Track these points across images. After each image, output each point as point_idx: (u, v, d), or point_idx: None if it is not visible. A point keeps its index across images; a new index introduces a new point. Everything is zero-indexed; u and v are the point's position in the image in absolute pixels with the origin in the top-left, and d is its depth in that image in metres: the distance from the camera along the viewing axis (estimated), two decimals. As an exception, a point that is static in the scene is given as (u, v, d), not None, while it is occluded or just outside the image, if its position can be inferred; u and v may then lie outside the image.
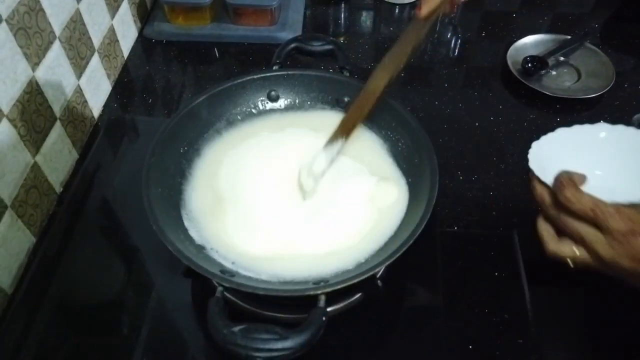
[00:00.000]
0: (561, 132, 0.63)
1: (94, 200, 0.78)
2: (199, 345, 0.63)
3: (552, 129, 0.86)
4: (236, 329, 0.45)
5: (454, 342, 0.62)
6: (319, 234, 0.61)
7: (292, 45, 0.74)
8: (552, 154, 0.61)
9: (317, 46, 0.74)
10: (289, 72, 0.72)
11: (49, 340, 0.63)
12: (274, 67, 0.73)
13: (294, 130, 0.71)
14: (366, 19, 1.12)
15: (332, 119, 0.68)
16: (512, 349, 0.62)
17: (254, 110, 0.74)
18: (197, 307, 0.66)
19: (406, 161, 0.67)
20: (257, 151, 0.69)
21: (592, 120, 0.87)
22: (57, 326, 0.65)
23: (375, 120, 0.70)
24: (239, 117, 0.73)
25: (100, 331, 0.65)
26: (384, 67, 0.64)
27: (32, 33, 0.70)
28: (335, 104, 0.73)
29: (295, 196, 0.64)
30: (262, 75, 0.71)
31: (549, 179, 0.58)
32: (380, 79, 0.64)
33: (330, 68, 0.91)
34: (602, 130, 0.62)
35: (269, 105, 0.74)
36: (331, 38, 0.76)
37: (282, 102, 0.74)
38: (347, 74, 0.72)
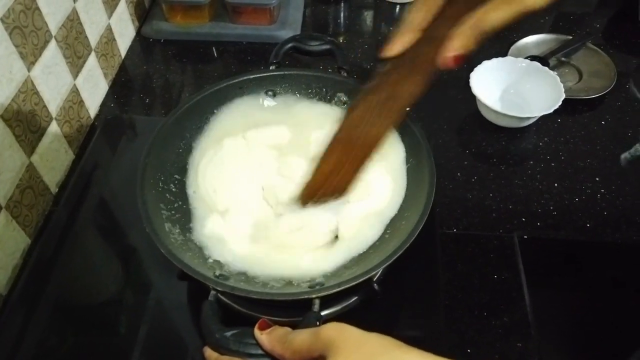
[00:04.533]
0: (494, 61, 0.88)
1: (91, 200, 0.77)
2: (197, 345, 0.62)
3: (553, 129, 0.86)
4: (229, 333, 0.44)
5: (453, 346, 0.61)
6: (314, 233, 0.60)
7: (290, 45, 0.73)
8: (489, 79, 0.87)
9: (315, 46, 0.74)
10: (286, 72, 0.72)
11: (45, 341, 0.63)
12: (271, 67, 0.72)
13: (287, 129, 0.71)
14: (366, 18, 1.11)
15: (330, 115, 0.67)
16: (512, 353, 0.61)
17: (251, 110, 0.73)
18: (193, 308, 0.65)
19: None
20: (248, 151, 0.68)
21: (594, 121, 0.87)
22: (53, 327, 0.64)
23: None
24: (236, 118, 0.72)
25: (97, 332, 0.65)
26: (376, 110, 0.52)
27: (27, 32, 0.69)
28: (333, 103, 0.73)
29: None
30: (259, 75, 0.70)
31: (490, 100, 0.83)
32: (380, 126, 0.53)
33: (330, 68, 0.90)
34: (522, 62, 0.89)
35: (267, 104, 0.73)
36: (329, 37, 0.75)
37: (279, 102, 0.73)
38: (345, 74, 0.72)
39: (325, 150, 0.56)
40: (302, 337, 0.40)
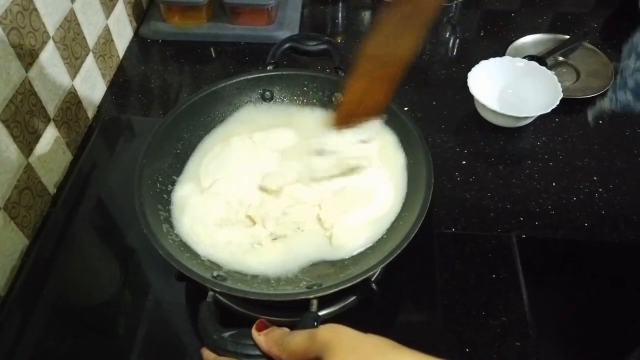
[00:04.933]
0: (492, 61, 0.89)
1: (89, 201, 0.77)
2: (195, 346, 0.62)
3: (551, 129, 0.86)
4: (226, 334, 0.44)
5: (451, 346, 0.61)
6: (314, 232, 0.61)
7: (287, 45, 0.73)
8: (486, 79, 0.87)
9: (312, 46, 0.74)
10: (283, 72, 0.72)
11: (43, 343, 0.63)
12: (269, 67, 0.72)
13: (285, 132, 0.71)
14: (364, 18, 1.12)
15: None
16: (510, 352, 0.61)
17: (249, 111, 0.73)
18: (191, 309, 0.65)
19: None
20: (244, 152, 0.68)
21: (592, 121, 0.87)
22: (51, 329, 0.64)
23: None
24: (233, 118, 0.72)
25: (95, 333, 0.65)
26: (399, 27, 0.52)
27: (25, 33, 0.69)
28: (330, 103, 0.73)
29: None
30: (256, 75, 0.70)
31: (488, 100, 0.84)
32: (405, 41, 0.53)
33: (327, 68, 0.90)
34: (520, 62, 0.90)
35: (264, 105, 0.73)
36: (326, 37, 0.75)
37: (276, 102, 0.73)
38: (342, 74, 0.72)
39: (356, 71, 0.56)
40: (299, 339, 0.41)
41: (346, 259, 0.58)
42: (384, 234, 0.60)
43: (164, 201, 0.62)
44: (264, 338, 0.43)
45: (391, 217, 0.61)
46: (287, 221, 0.61)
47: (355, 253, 0.58)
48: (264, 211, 0.61)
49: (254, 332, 0.44)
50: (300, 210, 0.62)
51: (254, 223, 0.61)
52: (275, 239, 0.60)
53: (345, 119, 0.60)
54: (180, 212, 0.62)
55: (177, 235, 0.59)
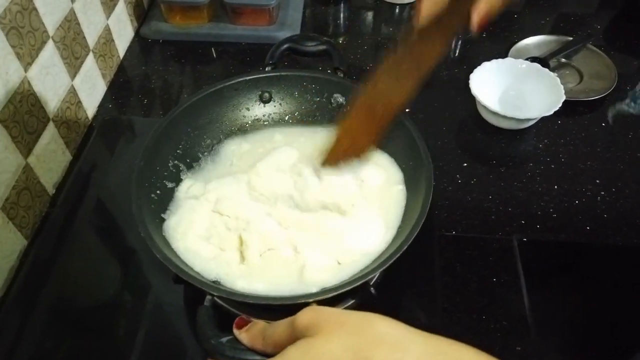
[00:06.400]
0: (494, 62, 0.88)
1: (89, 201, 0.77)
2: (195, 349, 0.62)
3: (553, 131, 0.86)
4: (224, 339, 0.44)
5: (451, 350, 0.61)
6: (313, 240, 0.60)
7: (286, 46, 0.73)
8: (488, 81, 0.87)
9: (311, 46, 0.73)
10: (282, 73, 0.71)
11: (42, 344, 0.62)
12: (267, 68, 0.72)
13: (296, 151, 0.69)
14: (366, 19, 1.11)
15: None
16: (511, 356, 0.61)
17: (246, 113, 0.73)
18: (190, 312, 0.65)
19: (401, 164, 0.66)
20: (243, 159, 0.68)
21: (595, 123, 0.87)
22: (49, 330, 0.64)
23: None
24: (230, 119, 0.72)
25: (94, 335, 0.65)
26: (397, 77, 0.55)
27: (24, 32, 0.69)
28: (329, 104, 0.72)
29: (284, 205, 0.63)
30: (254, 76, 0.70)
31: (490, 102, 0.83)
32: (399, 91, 0.55)
33: (329, 68, 0.90)
34: (522, 64, 0.89)
35: (262, 107, 0.73)
36: (325, 38, 0.75)
37: (275, 104, 0.73)
38: (342, 75, 0.71)
39: (349, 115, 0.59)
40: (280, 329, 0.40)
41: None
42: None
43: (162, 203, 0.62)
44: (245, 335, 0.43)
45: (376, 253, 0.58)
46: (267, 249, 0.60)
47: (325, 288, 0.55)
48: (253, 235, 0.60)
49: (235, 330, 0.43)
50: (279, 236, 0.60)
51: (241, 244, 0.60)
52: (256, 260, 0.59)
53: (335, 160, 0.61)
54: (174, 214, 0.62)
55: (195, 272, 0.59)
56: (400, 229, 0.59)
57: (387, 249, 0.57)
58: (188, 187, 0.65)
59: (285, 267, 0.58)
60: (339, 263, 0.58)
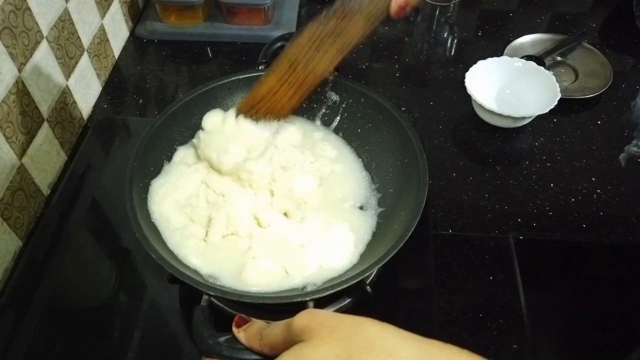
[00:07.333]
0: (490, 61, 0.88)
1: (83, 202, 0.76)
2: (191, 349, 0.62)
3: (549, 129, 0.86)
4: (221, 339, 0.44)
5: (448, 348, 0.61)
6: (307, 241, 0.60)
7: (279, 44, 0.72)
8: (484, 79, 0.87)
9: (304, 45, 0.73)
10: None
11: (36, 345, 0.62)
12: (260, 67, 0.71)
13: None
14: (361, 18, 1.11)
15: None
16: (507, 355, 0.61)
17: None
18: (185, 312, 0.64)
19: (395, 161, 0.66)
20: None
21: (590, 121, 0.87)
22: (44, 331, 0.63)
23: (361, 119, 0.69)
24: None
25: (89, 336, 0.64)
26: (320, 42, 0.59)
27: (18, 32, 0.69)
28: (323, 102, 0.72)
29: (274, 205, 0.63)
30: (247, 75, 0.70)
31: (485, 100, 0.83)
32: (321, 60, 0.60)
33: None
34: (518, 62, 0.88)
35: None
36: None
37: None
38: (335, 73, 0.71)
39: (269, 70, 0.63)
40: (276, 331, 0.40)
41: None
42: (380, 231, 0.59)
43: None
44: (243, 334, 0.43)
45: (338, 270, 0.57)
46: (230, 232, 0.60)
47: (321, 286, 0.55)
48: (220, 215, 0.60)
49: (233, 328, 0.43)
50: (244, 224, 0.60)
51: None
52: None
53: (249, 109, 0.64)
54: (162, 177, 0.63)
55: (161, 239, 0.59)
56: (394, 225, 0.58)
57: (382, 247, 0.57)
58: (183, 155, 0.66)
59: (235, 257, 0.58)
60: (286, 272, 0.57)
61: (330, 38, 0.59)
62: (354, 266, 0.57)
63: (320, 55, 0.60)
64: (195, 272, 0.56)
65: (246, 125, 0.64)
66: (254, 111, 0.64)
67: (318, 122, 0.72)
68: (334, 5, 0.58)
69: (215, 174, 0.63)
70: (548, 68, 0.90)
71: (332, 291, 0.50)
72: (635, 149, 0.81)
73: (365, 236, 0.60)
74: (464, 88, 0.84)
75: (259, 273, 0.56)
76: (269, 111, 0.64)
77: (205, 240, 0.59)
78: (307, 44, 0.60)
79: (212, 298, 0.51)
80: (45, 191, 0.77)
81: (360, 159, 0.69)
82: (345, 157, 0.69)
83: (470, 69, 0.86)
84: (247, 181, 0.62)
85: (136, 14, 1.06)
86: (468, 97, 0.84)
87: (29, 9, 0.71)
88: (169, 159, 0.66)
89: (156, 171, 0.64)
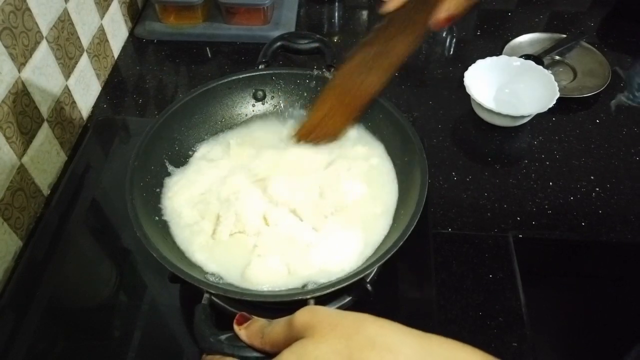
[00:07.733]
0: (488, 60, 0.88)
1: (83, 202, 0.76)
2: (192, 349, 0.62)
3: (547, 128, 0.86)
4: (223, 337, 0.44)
5: (447, 346, 0.61)
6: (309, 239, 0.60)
7: (278, 44, 0.73)
8: (483, 78, 0.87)
9: (304, 44, 0.73)
10: (274, 71, 0.71)
11: (36, 345, 0.62)
12: (260, 67, 0.72)
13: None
14: (360, 17, 1.11)
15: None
16: (507, 353, 0.61)
17: (240, 111, 0.72)
18: (187, 311, 0.64)
19: (396, 160, 0.66)
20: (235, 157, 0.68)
21: (589, 120, 0.87)
22: (44, 331, 0.63)
23: (361, 119, 0.69)
24: (224, 118, 0.72)
25: (89, 336, 0.64)
26: (369, 63, 0.60)
27: (18, 33, 0.69)
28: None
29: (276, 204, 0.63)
30: (247, 75, 0.70)
31: (484, 99, 0.83)
32: (371, 79, 0.61)
33: (322, 66, 0.90)
34: (517, 61, 0.89)
35: (257, 105, 0.73)
36: (318, 36, 0.75)
37: (269, 102, 0.73)
38: (335, 71, 0.71)
39: (321, 96, 0.65)
40: (278, 329, 0.40)
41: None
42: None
43: (158, 203, 0.62)
44: (244, 332, 0.43)
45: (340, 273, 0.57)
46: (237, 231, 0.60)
47: (321, 284, 0.55)
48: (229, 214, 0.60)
49: (235, 326, 0.43)
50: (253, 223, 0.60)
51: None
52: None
53: (305, 135, 0.67)
54: (180, 172, 0.65)
55: (170, 236, 0.59)
56: (395, 224, 0.58)
57: (382, 246, 0.57)
58: (206, 152, 0.68)
59: (241, 255, 0.58)
60: (290, 271, 0.57)
61: (378, 59, 0.60)
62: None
63: (371, 77, 0.61)
64: (198, 270, 0.56)
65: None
66: (312, 136, 0.66)
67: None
68: (380, 23, 0.59)
69: (239, 173, 0.63)
70: (547, 67, 0.90)
71: (333, 289, 0.50)
72: (624, 98, 0.88)
73: (377, 238, 0.60)
74: (463, 87, 0.84)
75: (263, 271, 0.56)
76: (327, 134, 0.66)
77: (213, 238, 0.60)
78: (358, 68, 0.62)
79: (213, 297, 0.51)
80: (45, 191, 0.77)
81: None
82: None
83: (469, 68, 0.86)
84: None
85: (135, 14, 1.06)
86: (467, 97, 0.84)
87: (28, 9, 0.71)
88: (170, 158, 0.66)
89: (157, 174, 0.64)
